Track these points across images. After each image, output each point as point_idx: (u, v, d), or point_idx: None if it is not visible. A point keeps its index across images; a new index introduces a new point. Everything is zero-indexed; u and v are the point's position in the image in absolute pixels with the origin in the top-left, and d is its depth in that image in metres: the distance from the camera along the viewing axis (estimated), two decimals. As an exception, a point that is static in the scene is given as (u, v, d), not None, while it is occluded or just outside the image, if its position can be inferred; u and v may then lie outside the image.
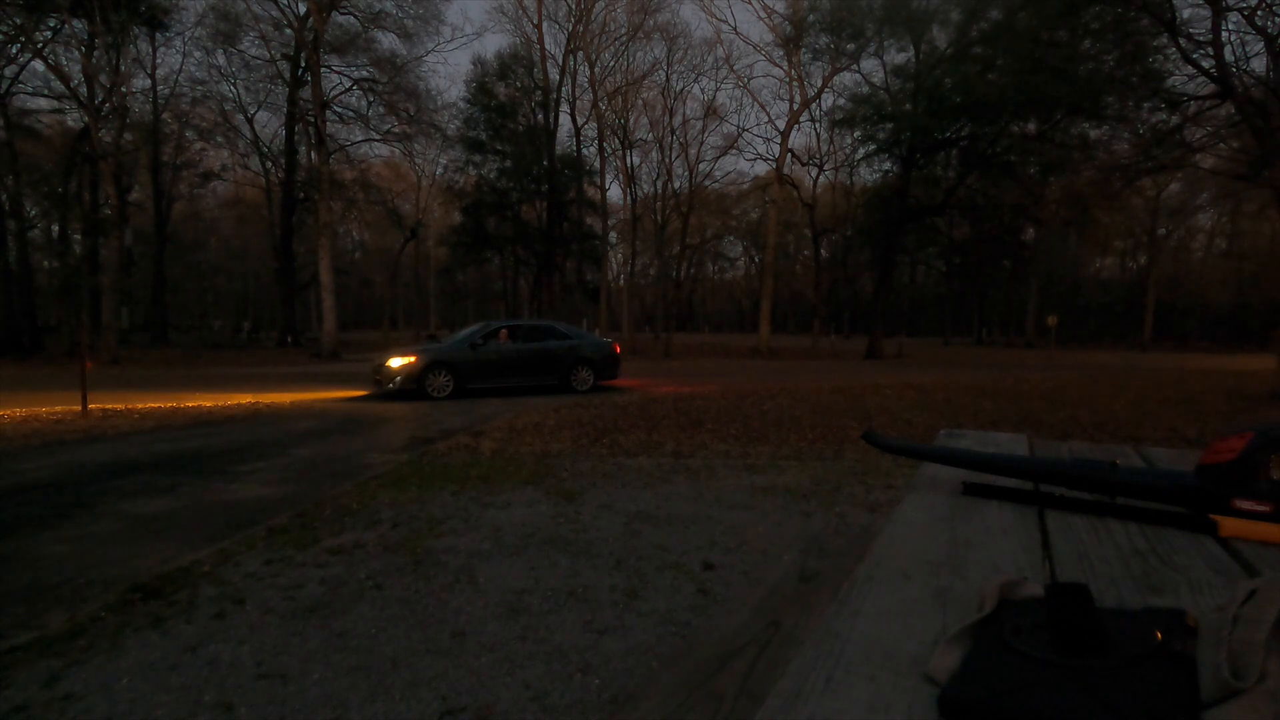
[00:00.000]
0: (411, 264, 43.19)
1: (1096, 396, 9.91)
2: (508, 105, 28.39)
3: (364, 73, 23.29)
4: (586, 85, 28.77)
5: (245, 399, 9.26)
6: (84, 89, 17.32)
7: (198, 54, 30.95)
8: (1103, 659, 0.44)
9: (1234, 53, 10.70)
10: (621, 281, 43.36)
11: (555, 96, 28.52)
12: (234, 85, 26.82)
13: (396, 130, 24.22)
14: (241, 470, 4.92)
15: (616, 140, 29.80)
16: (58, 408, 8.01)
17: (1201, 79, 10.76)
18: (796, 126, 27.17)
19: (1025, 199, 24.47)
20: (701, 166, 33.50)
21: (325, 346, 19.82)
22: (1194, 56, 10.42)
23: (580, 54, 28.22)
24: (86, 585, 2.75)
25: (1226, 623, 0.44)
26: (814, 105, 28.39)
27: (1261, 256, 36.95)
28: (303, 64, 22.79)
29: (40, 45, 17.62)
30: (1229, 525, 0.76)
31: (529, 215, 29.58)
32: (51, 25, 17.95)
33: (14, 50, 18.93)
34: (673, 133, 30.92)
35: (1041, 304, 40.05)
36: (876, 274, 27.26)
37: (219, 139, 28.17)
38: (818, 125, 31.56)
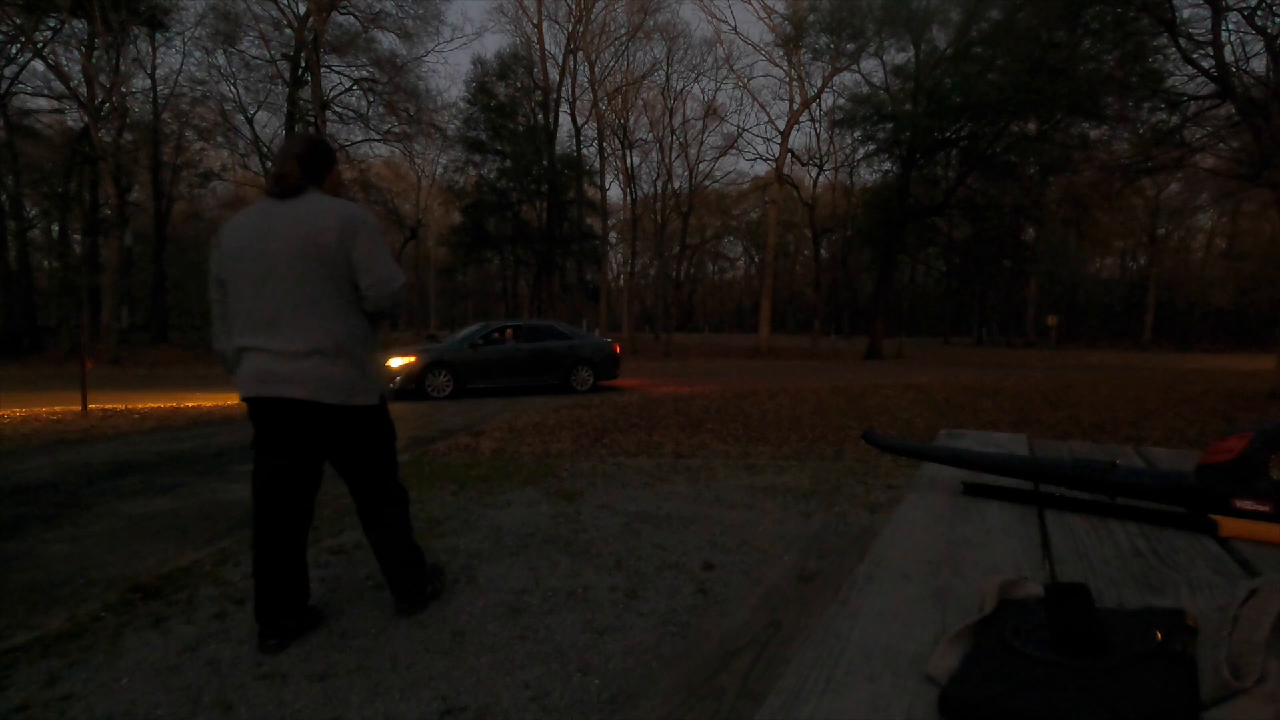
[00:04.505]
0: (411, 264, 43.18)
1: (1096, 396, 9.90)
2: (508, 105, 28.40)
3: (364, 73, 23.34)
4: (586, 85, 28.79)
5: (245, 399, 9.24)
6: (84, 89, 17.33)
7: (198, 54, 30.95)
8: (1103, 659, 0.44)
9: (1234, 53, 10.71)
10: (621, 281, 43.35)
11: (555, 96, 28.53)
12: (234, 85, 26.75)
13: (396, 130, 24.25)
14: (242, 470, 4.91)
15: (616, 140, 29.81)
16: (58, 408, 8.00)
17: (1201, 79, 10.76)
18: (796, 126, 27.21)
19: (1025, 199, 24.50)
20: (701, 166, 33.55)
21: (325, 346, 19.78)
22: (1194, 56, 10.42)
23: (580, 54, 28.24)
24: (86, 585, 2.74)
25: (1226, 623, 0.44)
26: (814, 105, 28.41)
27: (1261, 256, 36.93)
28: (303, 64, 22.79)
29: (40, 45, 17.63)
30: (1229, 525, 0.76)
31: (529, 215, 29.57)
32: (51, 25, 17.95)
33: (14, 50, 18.94)
34: (673, 133, 30.94)
35: (1041, 304, 40.08)
36: (876, 274, 27.28)
37: (219, 139, 28.12)
38: (818, 125, 31.51)
